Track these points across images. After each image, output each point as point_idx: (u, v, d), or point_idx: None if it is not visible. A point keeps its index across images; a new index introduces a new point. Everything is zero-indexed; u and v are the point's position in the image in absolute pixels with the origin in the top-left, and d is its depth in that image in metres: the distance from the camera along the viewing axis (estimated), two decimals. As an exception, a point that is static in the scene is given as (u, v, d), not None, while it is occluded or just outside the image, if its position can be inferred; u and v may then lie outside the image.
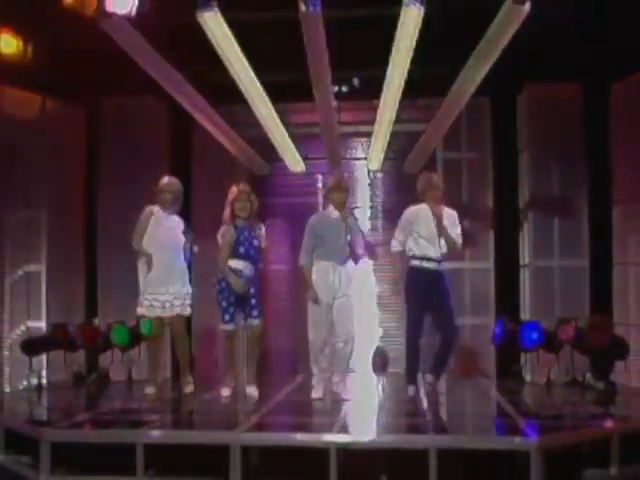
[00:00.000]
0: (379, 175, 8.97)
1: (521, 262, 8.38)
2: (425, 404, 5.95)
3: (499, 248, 8.46)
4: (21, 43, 7.52)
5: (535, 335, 7.16)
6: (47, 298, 8.13)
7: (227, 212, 6.49)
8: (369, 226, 8.95)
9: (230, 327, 6.49)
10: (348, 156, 8.98)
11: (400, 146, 8.47)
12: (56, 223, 8.25)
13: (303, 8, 5.32)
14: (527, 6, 5.41)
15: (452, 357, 6.60)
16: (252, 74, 6.34)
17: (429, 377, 6.38)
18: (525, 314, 8.17)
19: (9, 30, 7.53)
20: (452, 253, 6.48)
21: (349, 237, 6.32)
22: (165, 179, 6.79)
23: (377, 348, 8.71)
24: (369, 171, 8.91)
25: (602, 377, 6.83)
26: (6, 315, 8.12)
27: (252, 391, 6.41)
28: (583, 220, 8.10)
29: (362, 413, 5.78)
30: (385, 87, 6.46)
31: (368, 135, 8.51)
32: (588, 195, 8.11)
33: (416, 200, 6.55)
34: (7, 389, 7.89)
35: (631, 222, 7.62)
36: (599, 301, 7.90)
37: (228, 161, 8.41)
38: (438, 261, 6.32)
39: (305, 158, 8.57)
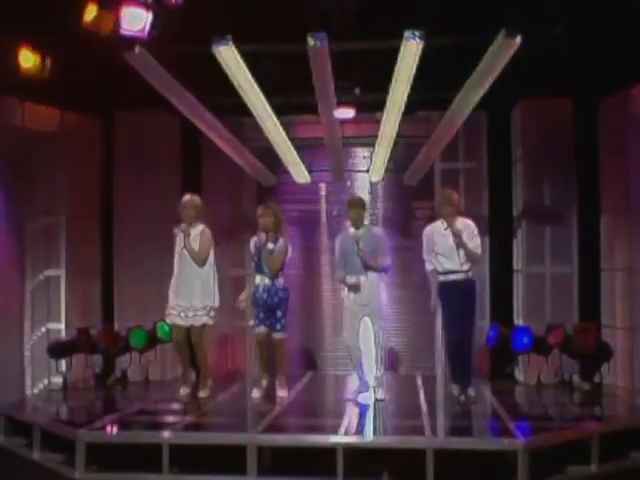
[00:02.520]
0: (380, 185, 9.39)
1: (514, 268, 8.79)
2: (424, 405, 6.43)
3: (494, 254, 8.86)
4: (39, 58, 7.69)
5: (526, 339, 7.60)
6: (66, 301, 8.55)
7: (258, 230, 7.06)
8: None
9: (259, 330, 7.00)
10: (350, 167, 9.40)
11: (400, 157, 8.77)
12: (75, 230, 8.65)
13: (311, 43, 5.77)
14: (518, 40, 5.87)
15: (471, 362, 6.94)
16: (263, 98, 6.78)
17: (455, 389, 6.81)
18: (518, 317, 8.61)
19: (28, 46, 7.83)
20: (473, 263, 6.81)
21: (362, 251, 6.79)
22: (187, 196, 7.22)
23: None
24: (371, 183, 9.34)
25: (588, 379, 7.32)
26: (27, 317, 8.60)
27: (282, 393, 6.96)
28: (573, 229, 8.49)
29: (366, 414, 6.24)
30: (385, 112, 6.91)
31: (370, 145, 8.96)
32: (577, 205, 8.49)
33: (432, 216, 7.02)
34: (29, 389, 8.40)
35: (617, 231, 8.04)
36: (587, 305, 8.32)
37: (237, 172, 8.79)
38: (462, 272, 6.71)
39: (310, 170, 8.97)
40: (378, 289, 6.92)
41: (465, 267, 6.73)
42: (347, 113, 8.36)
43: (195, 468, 5.24)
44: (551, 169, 8.56)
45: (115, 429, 5.57)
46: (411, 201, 9.40)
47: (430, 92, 7.23)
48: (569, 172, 8.51)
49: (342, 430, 5.41)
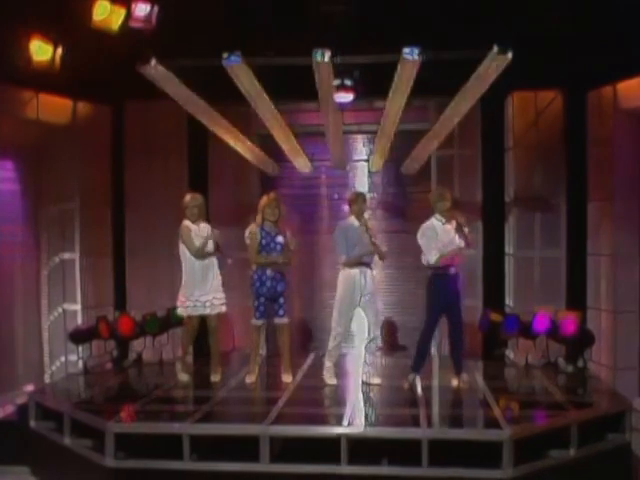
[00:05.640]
0: (378, 173, 9.78)
1: (506, 251, 9.25)
2: (420, 393, 6.93)
3: (487, 238, 9.30)
4: (51, 49, 7.83)
5: (515, 326, 8.09)
6: (81, 283, 9.04)
7: (258, 217, 7.39)
8: (368, 215, 9.81)
9: (259, 322, 7.43)
10: (350, 154, 9.77)
11: (397, 146, 8.88)
12: (88, 215, 9.09)
13: (318, 59, 6.16)
14: (509, 55, 6.25)
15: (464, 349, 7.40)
16: (269, 102, 7.17)
17: (412, 377, 7.19)
18: (509, 298, 9.13)
19: (39, 36, 8.03)
20: (465, 252, 7.21)
21: (372, 241, 7.20)
22: (188, 196, 7.54)
23: (385, 322, 9.65)
24: (369, 172, 9.76)
25: (572, 362, 7.86)
26: (44, 298, 9.14)
27: (286, 378, 7.44)
28: (561, 215, 8.92)
29: (367, 404, 6.72)
30: (383, 118, 7.31)
31: (369, 133, 9.37)
32: (566, 192, 8.91)
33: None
34: (48, 368, 8.95)
35: (603, 218, 8.48)
36: (574, 288, 8.81)
37: (241, 159, 9.01)
38: (453, 265, 7.09)
39: (312, 160, 9.35)
40: (375, 282, 7.41)
41: (456, 262, 7.13)
42: (346, 97, 8.62)
43: (212, 455, 5.76)
44: (541, 158, 8.96)
45: (140, 420, 6.10)
46: (408, 186, 9.79)
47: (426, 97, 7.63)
48: (558, 161, 8.91)
49: (345, 421, 5.92)
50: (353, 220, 7.39)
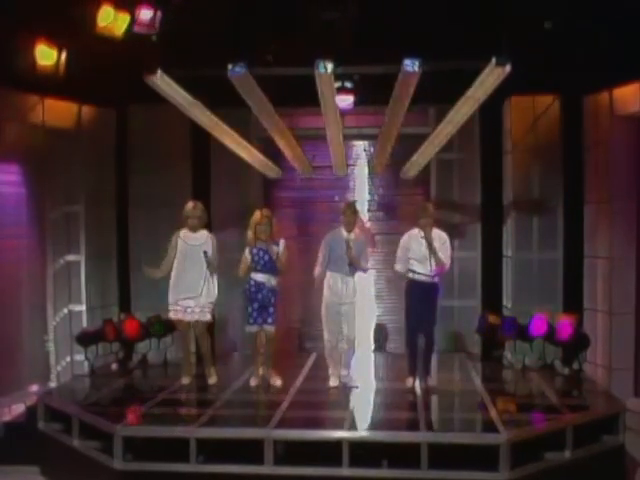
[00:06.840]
0: (378, 177, 9.95)
1: (504, 253, 9.39)
2: (420, 396, 7.11)
3: (485, 240, 9.50)
4: (55, 53, 7.70)
5: (513, 328, 8.24)
6: (86, 284, 9.20)
7: (250, 234, 7.46)
8: (368, 217, 10.01)
9: (253, 329, 7.59)
10: (350, 158, 9.92)
11: (397, 150, 9.01)
12: (92, 217, 9.26)
13: (322, 70, 6.29)
14: (507, 67, 6.38)
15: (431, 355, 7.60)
16: (270, 108, 7.30)
17: (421, 382, 7.40)
18: (507, 299, 9.28)
19: (44, 42, 8.11)
20: (441, 270, 7.35)
21: (351, 250, 7.33)
22: (190, 204, 7.66)
23: (377, 326, 9.89)
24: (370, 175, 9.90)
25: (568, 365, 8.03)
26: (50, 300, 9.27)
27: (275, 381, 7.57)
28: (558, 218, 9.07)
29: (367, 407, 6.92)
30: (384, 123, 7.43)
31: (369, 137, 9.51)
32: (563, 196, 9.05)
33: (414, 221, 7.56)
34: (54, 368, 9.10)
35: (600, 220, 8.62)
36: (571, 289, 8.97)
37: (245, 164, 9.12)
38: (430, 276, 7.31)
39: (313, 163, 9.49)
40: (356, 292, 7.57)
41: (433, 274, 7.31)
42: (346, 100, 8.74)
43: (218, 457, 5.91)
44: (539, 161, 9.10)
45: (147, 423, 6.28)
46: (407, 188, 9.95)
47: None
48: (556, 164, 9.05)
49: (346, 425, 6.09)
50: (341, 230, 7.50)
